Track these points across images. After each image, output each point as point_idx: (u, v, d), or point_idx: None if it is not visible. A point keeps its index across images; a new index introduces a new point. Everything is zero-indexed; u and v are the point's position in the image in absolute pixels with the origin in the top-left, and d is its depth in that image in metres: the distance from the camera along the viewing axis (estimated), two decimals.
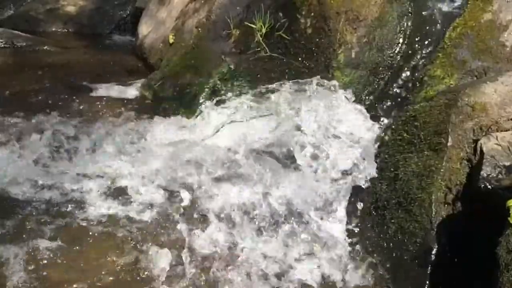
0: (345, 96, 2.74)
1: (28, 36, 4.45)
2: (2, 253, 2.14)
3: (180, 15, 3.77)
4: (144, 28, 4.19)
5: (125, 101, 3.43)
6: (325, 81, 2.80)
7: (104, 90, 3.58)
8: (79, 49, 4.50)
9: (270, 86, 2.92)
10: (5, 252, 2.15)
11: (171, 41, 3.70)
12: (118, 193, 2.55)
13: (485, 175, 1.95)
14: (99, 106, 3.34)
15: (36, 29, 4.76)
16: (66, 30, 4.91)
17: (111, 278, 2.11)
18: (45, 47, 4.35)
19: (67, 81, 3.70)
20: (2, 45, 4.29)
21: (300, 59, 3.00)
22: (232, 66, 3.18)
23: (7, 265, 2.09)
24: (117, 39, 4.85)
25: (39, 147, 2.83)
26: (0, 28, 4.48)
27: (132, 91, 3.58)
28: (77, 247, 2.24)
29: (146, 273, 2.14)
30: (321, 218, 2.37)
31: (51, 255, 2.17)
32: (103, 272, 2.13)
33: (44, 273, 2.09)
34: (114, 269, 2.15)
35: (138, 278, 2.12)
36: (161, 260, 2.18)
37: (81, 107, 3.30)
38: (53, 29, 4.89)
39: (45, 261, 2.15)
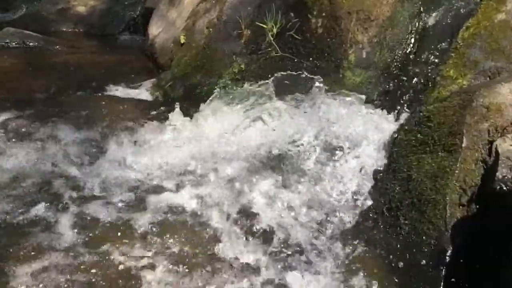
0: None
1: (39, 36, 4.47)
2: None
3: (190, 15, 3.77)
4: (154, 29, 4.19)
5: (136, 101, 3.42)
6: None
7: (114, 90, 3.59)
8: (89, 49, 4.51)
9: None
10: None
11: (182, 41, 3.69)
12: None
13: (500, 176, 1.93)
14: (109, 106, 3.33)
15: (47, 29, 4.78)
16: (77, 30, 4.93)
17: None
18: (56, 47, 4.38)
19: (77, 81, 3.71)
20: (14, 45, 4.32)
21: (311, 59, 2.99)
22: (243, 66, 3.17)
23: None
24: (127, 39, 4.85)
25: (51, 147, 2.84)
26: (12, 28, 4.51)
27: (142, 92, 3.59)
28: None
29: None
30: None
31: None
32: None
33: None
34: None
35: None
36: None
37: (91, 108, 3.30)
38: (64, 29, 4.91)
39: None
